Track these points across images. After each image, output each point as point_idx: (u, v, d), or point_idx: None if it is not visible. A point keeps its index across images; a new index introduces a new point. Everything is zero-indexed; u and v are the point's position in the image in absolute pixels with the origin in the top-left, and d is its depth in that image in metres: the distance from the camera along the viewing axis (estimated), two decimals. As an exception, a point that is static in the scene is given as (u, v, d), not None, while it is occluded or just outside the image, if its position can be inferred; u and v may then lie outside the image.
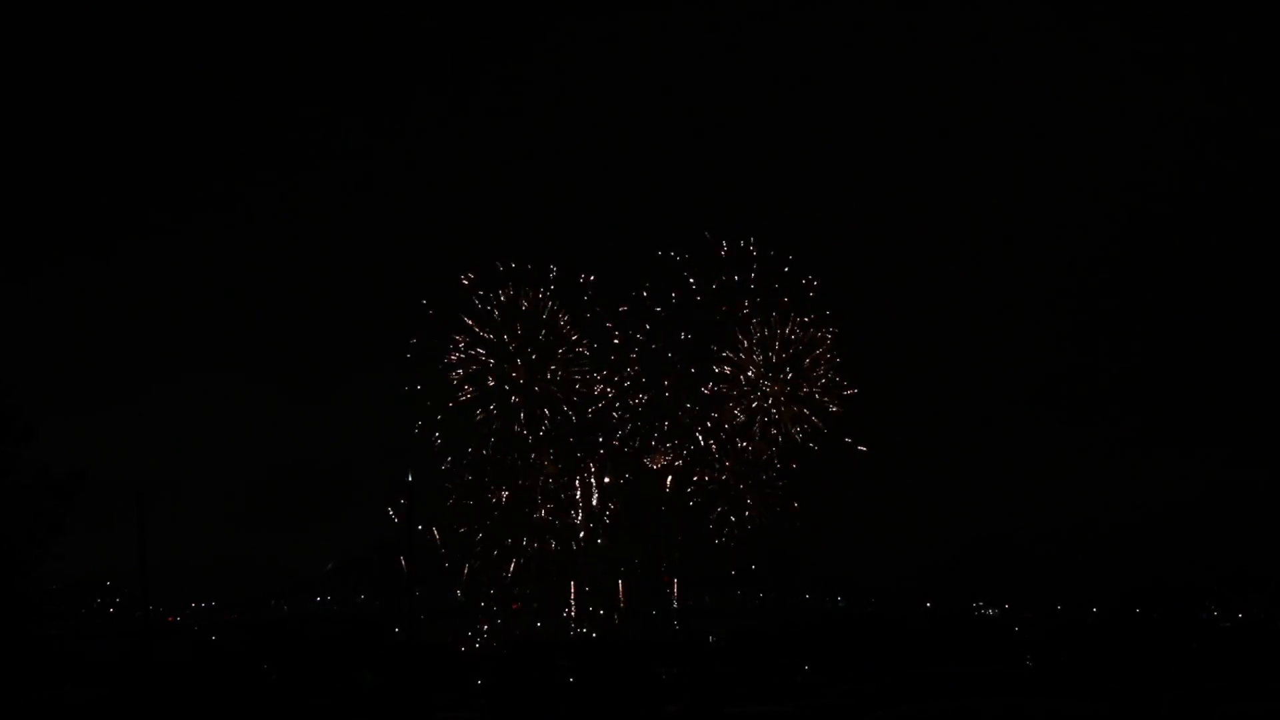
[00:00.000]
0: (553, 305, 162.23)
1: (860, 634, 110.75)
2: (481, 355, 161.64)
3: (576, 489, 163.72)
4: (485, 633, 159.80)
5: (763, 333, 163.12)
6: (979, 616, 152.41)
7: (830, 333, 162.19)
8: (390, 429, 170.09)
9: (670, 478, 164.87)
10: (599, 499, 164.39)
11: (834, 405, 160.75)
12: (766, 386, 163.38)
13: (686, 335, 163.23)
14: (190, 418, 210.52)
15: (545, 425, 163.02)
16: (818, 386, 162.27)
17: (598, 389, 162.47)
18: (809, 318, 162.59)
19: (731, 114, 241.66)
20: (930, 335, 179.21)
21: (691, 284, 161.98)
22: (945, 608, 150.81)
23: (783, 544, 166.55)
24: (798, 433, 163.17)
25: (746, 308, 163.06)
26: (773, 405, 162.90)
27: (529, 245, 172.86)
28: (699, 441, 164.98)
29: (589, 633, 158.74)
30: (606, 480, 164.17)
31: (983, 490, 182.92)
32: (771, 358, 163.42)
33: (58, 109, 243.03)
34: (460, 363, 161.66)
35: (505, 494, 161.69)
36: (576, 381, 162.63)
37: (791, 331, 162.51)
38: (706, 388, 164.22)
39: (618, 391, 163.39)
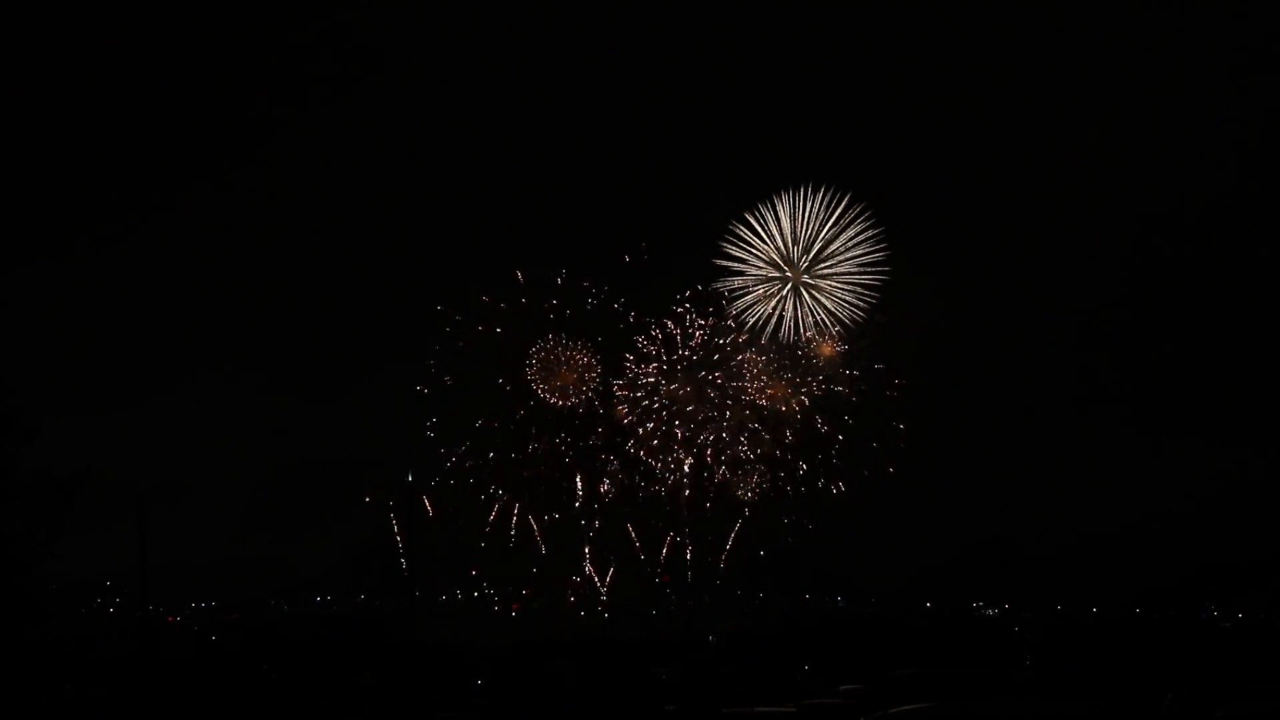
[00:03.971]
0: (561, 305, 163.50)
1: (860, 634, 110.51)
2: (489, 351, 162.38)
3: (578, 486, 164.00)
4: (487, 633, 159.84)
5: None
6: (979, 616, 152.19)
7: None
8: (392, 429, 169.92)
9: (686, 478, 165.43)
10: (601, 494, 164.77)
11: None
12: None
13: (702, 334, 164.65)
14: (191, 418, 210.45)
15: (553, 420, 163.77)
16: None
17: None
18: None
19: (732, 111, 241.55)
20: (930, 337, 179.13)
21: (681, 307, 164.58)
22: (945, 608, 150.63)
23: (783, 544, 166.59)
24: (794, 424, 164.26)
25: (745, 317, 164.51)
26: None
27: (536, 249, 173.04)
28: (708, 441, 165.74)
29: (589, 633, 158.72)
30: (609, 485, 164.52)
31: (983, 490, 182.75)
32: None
33: (59, 104, 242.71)
34: (466, 361, 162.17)
35: (505, 495, 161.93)
36: (585, 381, 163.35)
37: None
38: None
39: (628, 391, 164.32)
